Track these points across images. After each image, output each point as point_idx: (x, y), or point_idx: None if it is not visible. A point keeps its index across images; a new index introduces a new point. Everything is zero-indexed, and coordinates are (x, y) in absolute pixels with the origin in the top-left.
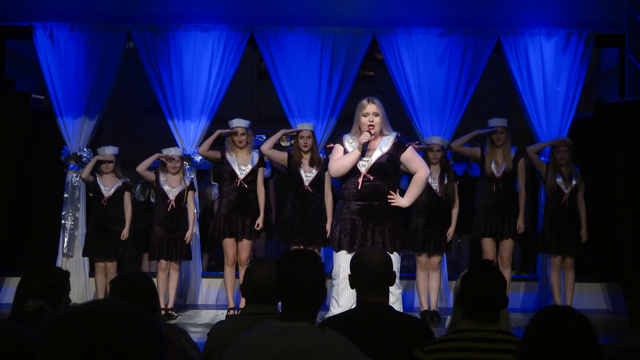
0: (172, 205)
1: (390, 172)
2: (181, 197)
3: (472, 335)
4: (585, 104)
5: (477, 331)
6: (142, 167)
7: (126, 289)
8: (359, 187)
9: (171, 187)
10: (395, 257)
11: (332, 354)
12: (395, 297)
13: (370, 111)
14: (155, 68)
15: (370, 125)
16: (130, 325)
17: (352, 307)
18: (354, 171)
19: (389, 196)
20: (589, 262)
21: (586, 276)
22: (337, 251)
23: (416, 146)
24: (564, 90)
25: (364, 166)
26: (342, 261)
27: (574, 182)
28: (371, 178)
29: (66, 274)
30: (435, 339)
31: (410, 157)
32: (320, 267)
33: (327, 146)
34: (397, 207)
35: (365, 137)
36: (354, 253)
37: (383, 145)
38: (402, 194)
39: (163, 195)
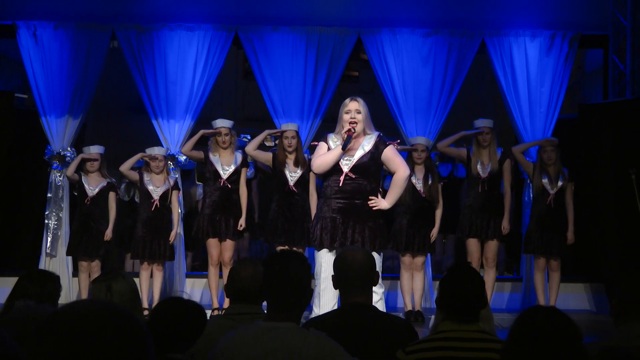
0: (156, 205)
1: (372, 171)
2: (165, 197)
3: (453, 335)
4: (569, 105)
5: (457, 331)
6: (125, 167)
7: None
8: (340, 185)
9: (155, 186)
10: (377, 257)
11: (317, 354)
12: (378, 296)
13: (352, 108)
14: (140, 67)
15: (352, 121)
16: (116, 325)
17: (335, 308)
18: (336, 169)
19: (369, 201)
20: (572, 263)
21: (570, 277)
22: (319, 250)
23: (397, 146)
24: (548, 91)
25: (346, 165)
26: (324, 261)
27: (560, 183)
28: (353, 177)
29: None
30: (417, 341)
31: (391, 156)
32: (307, 267)
33: (311, 144)
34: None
35: (347, 128)
36: (335, 252)
37: (365, 144)
38: (385, 194)
39: (147, 195)
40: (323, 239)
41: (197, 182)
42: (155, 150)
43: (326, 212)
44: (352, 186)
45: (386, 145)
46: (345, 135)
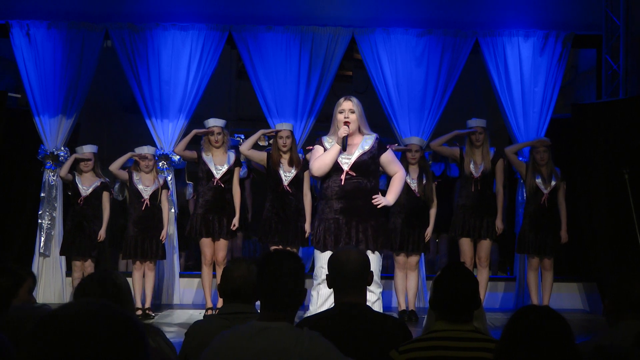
0: (147, 204)
1: (372, 170)
2: (155, 196)
3: (446, 335)
4: (563, 105)
5: (450, 331)
6: (114, 167)
7: (89, 294)
8: (342, 184)
9: (145, 186)
10: (376, 257)
11: (311, 353)
12: (376, 296)
13: (346, 108)
14: (134, 67)
15: (346, 120)
16: (112, 324)
17: (329, 307)
18: (336, 169)
19: (373, 200)
20: (565, 262)
21: (563, 276)
22: (322, 252)
23: (394, 147)
24: (541, 91)
25: (346, 163)
26: (325, 262)
27: (553, 183)
28: (354, 175)
29: (26, 275)
30: (410, 340)
31: (390, 159)
32: (302, 267)
33: (307, 148)
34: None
35: (343, 130)
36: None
37: (365, 144)
38: (383, 194)
39: (137, 195)
40: (327, 241)
41: (188, 182)
42: (145, 150)
43: (328, 213)
44: (353, 185)
45: (385, 149)
46: (343, 135)
